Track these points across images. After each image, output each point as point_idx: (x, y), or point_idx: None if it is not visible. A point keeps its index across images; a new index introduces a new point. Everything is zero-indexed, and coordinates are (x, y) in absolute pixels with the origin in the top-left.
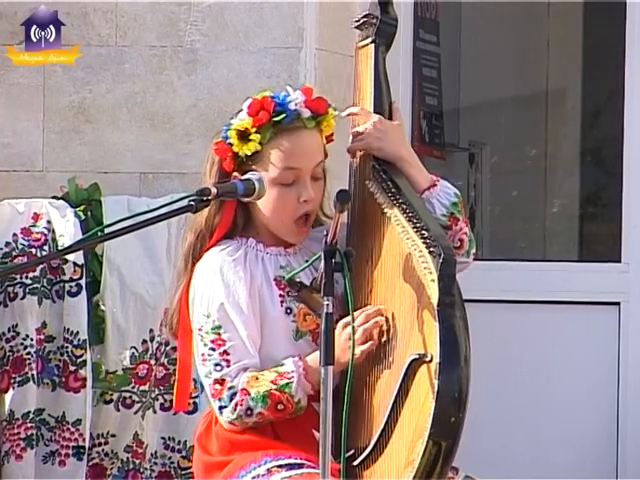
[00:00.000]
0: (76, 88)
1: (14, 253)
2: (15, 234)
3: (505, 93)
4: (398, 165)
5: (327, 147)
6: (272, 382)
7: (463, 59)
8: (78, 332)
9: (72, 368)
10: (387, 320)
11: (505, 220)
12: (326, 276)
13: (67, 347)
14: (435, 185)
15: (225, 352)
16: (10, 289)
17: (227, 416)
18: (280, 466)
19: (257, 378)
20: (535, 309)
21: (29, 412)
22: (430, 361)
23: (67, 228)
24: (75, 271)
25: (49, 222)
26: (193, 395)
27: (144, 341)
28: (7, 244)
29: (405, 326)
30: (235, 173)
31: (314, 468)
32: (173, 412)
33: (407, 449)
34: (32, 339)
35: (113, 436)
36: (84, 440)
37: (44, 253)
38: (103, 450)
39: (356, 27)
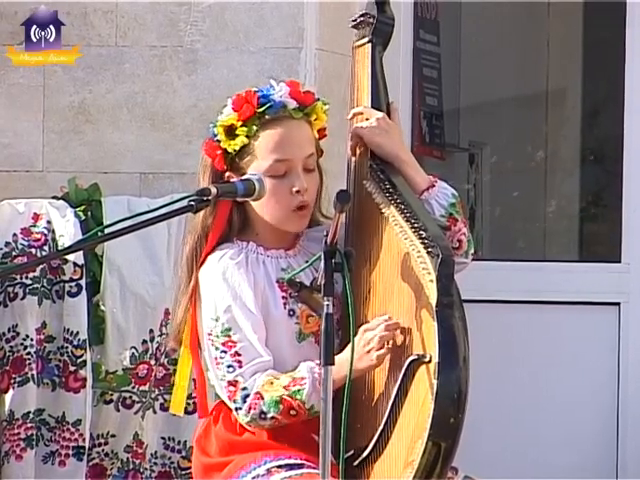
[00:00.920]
0: (76, 88)
1: (14, 253)
2: (15, 234)
3: (505, 93)
4: (396, 165)
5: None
6: (285, 388)
7: (463, 59)
8: (78, 332)
9: (72, 368)
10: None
11: (505, 220)
12: (326, 276)
13: (67, 347)
14: (433, 186)
15: (237, 353)
16: (10, 289)
17: (242, 418)
18: (280, 466)
19: (272, 382)
20: (535, 309)
21: (29, 412)
22: (429, 361)
23: (67, 228)
24: (75, 271)
25: (49, 222)
26: (193, 395)
27: (144, 341)
28: (7, 244)
29: (404, 326)
30: (228, 173)
31: (314, 468)
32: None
33: (406, 450)
34: (32, 339)
35: (113, 436)
36: (84, 440)
37: (44, 253)
38: (103, 450)
39: (353, 27)
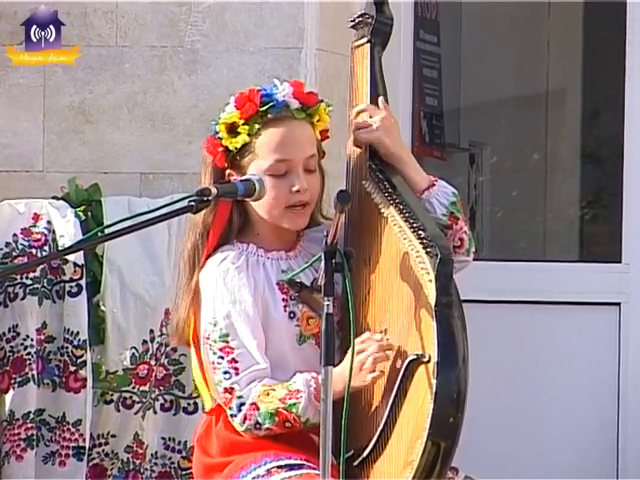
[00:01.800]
0: (76, 88)
1: (14, 253)
2: (15, 234)
3: (505, 93)
4: (397, 165)
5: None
6: (281, 400)
7: (463, 59)
8: (78, 332)
9: (72, 368)
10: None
11: (505, 220)
12: (326, 276)
13: (67, 347)
14: (434, 185)
15: (233, 360)
16: (10, 289)
17: (237, 426)
18: (280, 467)
19: (268, 394)
20: (535, 309)
21: (29, 412)
22: (428, 361)
23: (67, 228)
24: (75, 271)
25: (49, 222)
26: (194, 395)
27: (144, 341)
28: (7, 244)
29: (403, 326)
30: (229, 171)
31: (314, 469)
32: (173, 412)
33: (406, 450)
34: (32, 339)
35: (113, 436)
36: (84, 440)
37: (44, 253)
38: (103, 450)
39: (352, 27)
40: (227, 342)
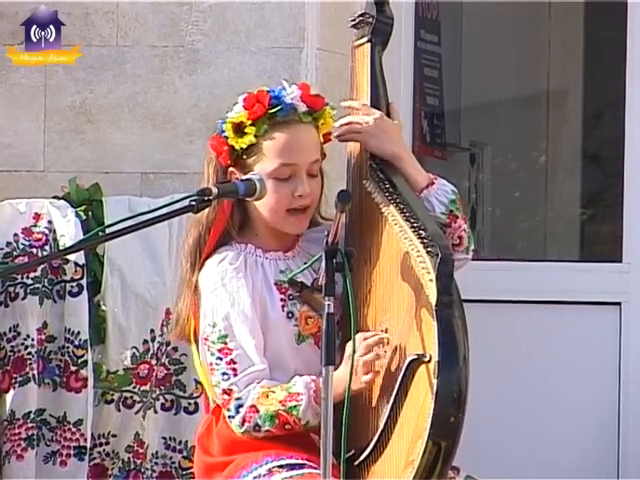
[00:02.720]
0: (77, 88)
1: (15, 253)
2: (16, 234)
3: (506, 93)
4: (396, 164)
5: (327, 148)
6: (281, 402)
7: (464, 59)
8: (79, 332)
9: (73, 368)
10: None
11: (506, 220)
12: (327, 276)
13: (68, 347)
14: (433, 183)
15: (232, 361)
16: (11, 289)
17: (236, 428)
18: (281, 466)
19: (267, 395)
20: (536, 309)
21: (30, 412)
22: (429, 361)
23: (68, 228)
24: (76, 271)
25: (50, 222)
26: (194, 395)
27: (145, 341)
28: (8, 244)
29: (404, 326)
30: (232, 168)
31: (315, 468)
32: (174, 412)
33: (407, 449)
34: (33, 339)
35: (114, 436)
36: (85, 440)
37: (45, 253)
38: (104, 450)
39: (352, 26)
40: (225, 343)
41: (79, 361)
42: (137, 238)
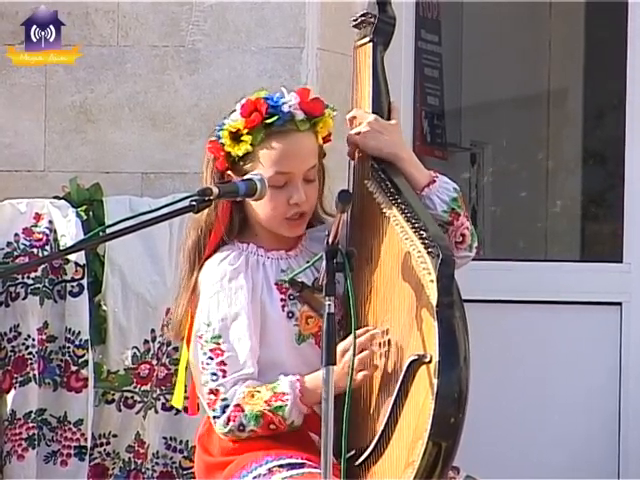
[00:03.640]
0: (78, 88)
1: (16, 253)
2: (17, 234)
3: (507, 93)
4: (396, 164)
5: (327, 147)
6: (266, 402)
7: (465, 59)
8: (80, 332)
9: (74, 368)
10: (384, 333)
11: (507, 220)
12: (328, 276)
13: (69, 347)
14: (434, 181)
15: (222, 362)
16: (12, 289)
17: (219, 428)
18: (281, 466)
19: (253, 395)
20: (536, 309)
21: (31, 412)
22: (429, 362)
23: (69, 228)
24: (77, 271)
25: (51, 222)
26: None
27: (146, 341)
28: (9, 244)
29: (404, 326)
30: (229, 172)
31: (315, 468)
32: (175, 412)
33: (407, 450)
34: (34, 339)
35: (115, 436)
36: (86, 440)
37: (46, 253)
38: (105, 450)
39: (354, 26)
40: (218, 344)
41: (80, 361)
42: (138, 238)
